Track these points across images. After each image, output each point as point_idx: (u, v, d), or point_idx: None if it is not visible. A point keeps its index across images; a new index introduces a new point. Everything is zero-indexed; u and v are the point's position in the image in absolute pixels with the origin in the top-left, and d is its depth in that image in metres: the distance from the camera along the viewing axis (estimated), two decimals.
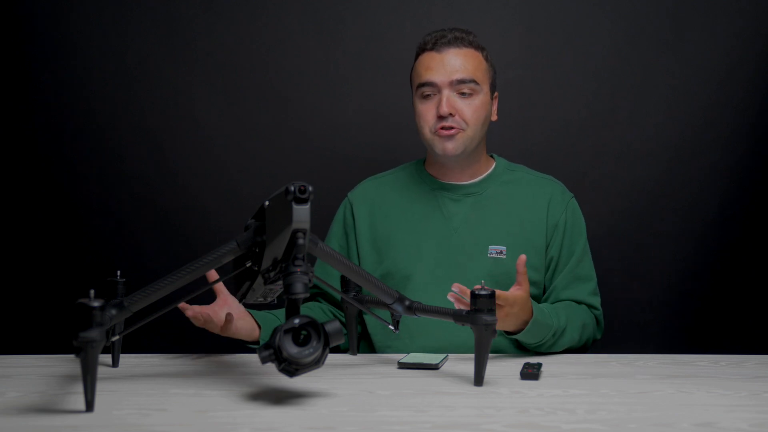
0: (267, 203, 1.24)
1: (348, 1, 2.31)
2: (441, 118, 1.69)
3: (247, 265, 1.30)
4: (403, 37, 2.29)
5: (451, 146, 1.70)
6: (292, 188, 1.12)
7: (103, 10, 2.28)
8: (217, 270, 1.37)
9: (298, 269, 1.15)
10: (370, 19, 2.31)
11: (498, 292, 1.41)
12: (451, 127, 1.69)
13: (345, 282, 1.52)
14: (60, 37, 2.28)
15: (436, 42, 1.72)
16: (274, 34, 2.31)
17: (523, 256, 1.49)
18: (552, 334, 1.57)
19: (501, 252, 1.72)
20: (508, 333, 1.57)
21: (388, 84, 2.28)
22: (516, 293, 1.48)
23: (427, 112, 1.71)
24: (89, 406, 1.08)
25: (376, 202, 1.81)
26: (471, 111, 1.70)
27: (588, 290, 1.74)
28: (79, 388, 1.12)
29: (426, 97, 1.71)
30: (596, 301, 1.75)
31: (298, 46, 2.30)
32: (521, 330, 1.53)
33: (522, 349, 1.74)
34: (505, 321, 1.49)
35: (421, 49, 1.75)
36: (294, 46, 2.30)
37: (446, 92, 1.68)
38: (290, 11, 2.30)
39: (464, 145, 1.71)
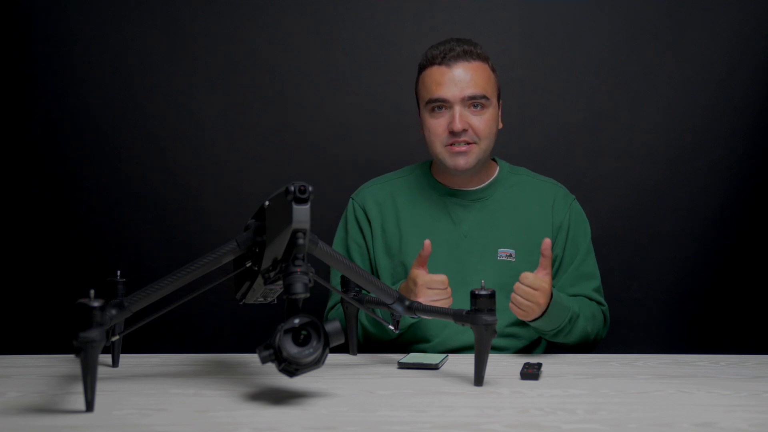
0: (267, 203, 1.24)
1: (348, 1, 2.31)
2: (452, 133, 1.69)
3: (247, 265, 1.30)
4: (403, 37, 2.29)
5: (463, 161, 1.70)
6: (292, 188, 1.12)
7: (103, 10, 2.28)
8: (217, 270, 1.36)
9: (298, 269, 1.15)
10: (370, 19, 2.31)
11: (534, 277, 1.50)
12: (465, 143, 1.69)
13: (345, 282, 1.52)
14: (60, 36, 2.28)
15: (444, 56, 1.70)
16: (274, 34, 2.31)
17: (548, 240, 1.52)
18: (569, 318, 1.59)
19: (510, 255, 1.73)
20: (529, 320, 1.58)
21: (388, 84, 2.28)
22: (545, 278, 1.51)
23: (437, 127, 1.71)
24: (89, 406, 1.08)
25: (385, 206, 1.82)
26: (483, 125, 1.70)
27: (592, 287, 1.76)
28: (79, 388, 1.12)
29: (436, 111, 1.71)
30: (601, 298, 1.77)
31: (298, 46, 2.30)
32: (541, 315, 1.55)
33: (523, 350, 1.75)
34: (533, 308, 1.52)
35: (429, 63, 1.72)
36: (294, 46, 2.30)
37: (458, 108, 1.68)
38: (290, 11, 2.30)
39: (477, 159, 1.72)
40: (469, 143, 1.70)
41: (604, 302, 1.77)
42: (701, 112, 2.26)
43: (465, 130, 1.68)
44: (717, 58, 2.25)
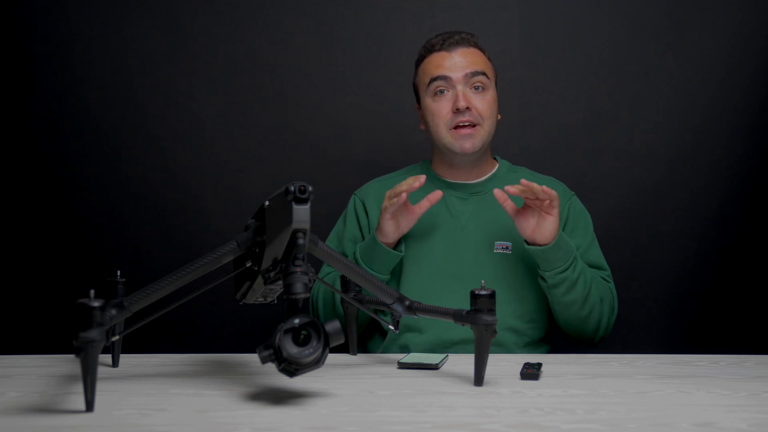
0: (267, 203, 1.24)
1: (348, 1, 2.31)
2: (457, 113, 1.71)
3: (247, 265, 1.30)
4: (403, 37, 2.29)
5: (469, 144, 1.72)
6: (292, 188, 1.12)
7: (103, 10, 2.28)
8: (217, 270, 1.36)
9: (298, 269, 1.15)
10: (370, 19, 2.31)
11: (544, 188, 1.54)
12: (469, 123, 1.71)
13: (345, 282, 1.52)
14: (60, 36, 2.28)
15: (444, 42, 1.75)
16: (274, 34, 2.31)
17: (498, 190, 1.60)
18: (572, 260, 1.62)
19: (507, 248, 1.74)
20: (536, 244, 1.62)
21: (388, 84, 2.28)
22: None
23: (441, 109, 1.73)
24: (89, 406, 1.08)
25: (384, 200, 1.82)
26: (485, 105, 1.73)
27: (598, 275, 1.74)
28: (79, 388, 1.12)
29: (439, 94, 1.73)
30: (609, 282, 1.76)
31: (298, 46, 2.30)
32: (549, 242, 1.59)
33: (525, 347, 1.74)
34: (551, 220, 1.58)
35: (428, 51, 1.77)
36: (294, 46, 2.30)
37: (461, 87, 1.71)
38: (290, 11, 2.30)
39: (482, 141, 1.74)
40: (473, 125, 1.72)
41: (612, 283, 1.77)
42: (701, 112, 2.26)
43: (468, 109, 1.71)
44: (717, 58, 2.25)
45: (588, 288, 1.66)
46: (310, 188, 1.13)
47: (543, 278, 1.66)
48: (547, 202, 1.57)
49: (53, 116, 2.29)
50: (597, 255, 1.78)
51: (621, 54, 2.28)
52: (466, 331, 1.66)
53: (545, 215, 1.59)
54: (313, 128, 2.31)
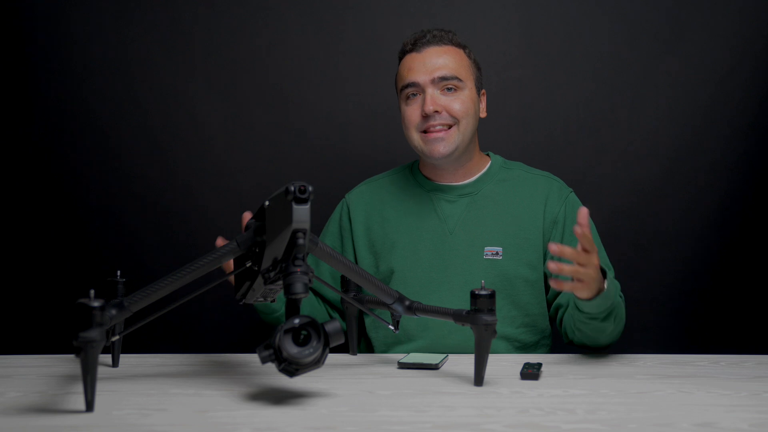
0: (267, 203, 1.24)
1: (348, 1, 2.31)
2: (426, 117, 1.66)
3: (247, 265, 1.30)
4: (403, 37, 2.26)
5: (441, 148, 1.67)
6: (292, 188, 1.12)
7: (103, 10, 2.28)
8: (217, 270, 1.36)
9: (298, 269, 1.15)
10: (370, 19, 2.31)
11: (586, 242, 1.30)
12: (441, 126, 1.66)
13: (345, 282, 1.52)
14: (60, 37, 2.28)
15: (415, 43, 1.71)
16: (274, 33, 2.31)
17: (585, 209, 1.33)
18: (617, 298, 1.46)
19: (497, 253, 1.69)
20: (585, 299, 1.41)
21: (388, 84, 2.26)
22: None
23: (412, 114, 1.69)
24: (89, 406, 1.09)
25: (372, 205, 1.80)
26: (459, 104, 1.67)
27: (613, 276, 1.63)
28: (79, 388, 1.13)
29: (410, 98, 1.69)
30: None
31: (298, 46, 2.30)
32: (598, 293, 1.40)
33: (517, 352, 1.73)
34: (593, 281, 1.36)
35: (403, 53, 1.74)
36: (294, 45, 2.30)
37: (430, 90, 1.66)
38: (290, 11, 2.30)
39: (456, 143, 1.68)
40: (446, 127, 1.66)
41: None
42: (701, 112, 2.26)
43: (438, 112, 1.65)
44: (717, 58, 2.25)
45: (621, 319, 1.54)
46: (310, 188, 1.13)
47: (579, 309, 1.48)
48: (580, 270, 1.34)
49: (53, 116, 2.29)
50: (606, 256, 1.71)
51: (621, 54, 2.28)
52: (457, 341, 1.64)
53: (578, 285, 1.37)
54: (313, 128, 2.30)
